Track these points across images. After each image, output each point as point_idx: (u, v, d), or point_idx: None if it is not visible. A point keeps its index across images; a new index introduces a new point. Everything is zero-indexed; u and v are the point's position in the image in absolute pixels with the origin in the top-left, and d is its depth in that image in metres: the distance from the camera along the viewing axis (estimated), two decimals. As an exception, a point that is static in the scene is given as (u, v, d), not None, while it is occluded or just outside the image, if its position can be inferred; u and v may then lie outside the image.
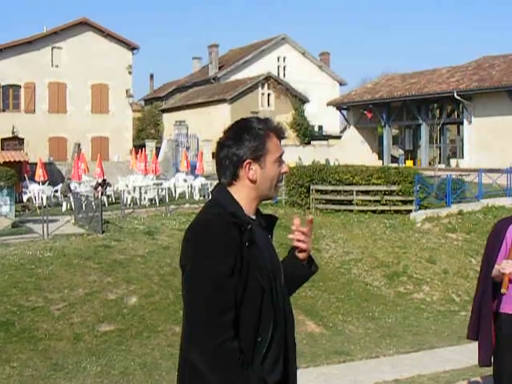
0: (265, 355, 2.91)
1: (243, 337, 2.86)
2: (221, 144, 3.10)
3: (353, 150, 45.01)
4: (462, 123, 42.03)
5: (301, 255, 3.24)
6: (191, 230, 2.95)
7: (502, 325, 5.93)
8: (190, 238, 2.94)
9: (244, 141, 3.02)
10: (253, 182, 3.03)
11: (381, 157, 46.89)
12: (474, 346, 14.16)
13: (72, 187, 28.34)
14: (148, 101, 68.22)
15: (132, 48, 49.14)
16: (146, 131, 59.48)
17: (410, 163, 42.64)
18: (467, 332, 6.34)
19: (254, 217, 3.08)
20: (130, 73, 48.83)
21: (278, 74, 56.35)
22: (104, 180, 29.32)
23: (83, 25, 47.27)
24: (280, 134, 3.15)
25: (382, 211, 24.89)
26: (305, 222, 3.23)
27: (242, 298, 2.86)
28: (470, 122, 40.10)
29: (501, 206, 25.82)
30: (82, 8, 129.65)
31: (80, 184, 29.58)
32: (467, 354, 13.07)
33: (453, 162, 42.68)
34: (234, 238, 2.85)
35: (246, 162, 3.02)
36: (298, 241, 3.19)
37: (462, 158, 41.64)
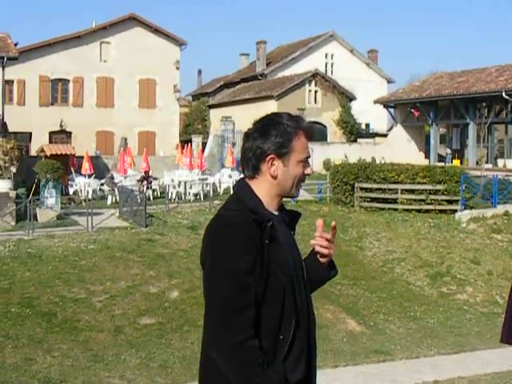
0: (287, 353, 2.87)
1: (264, 335, 2.83)
2: (247, 134, 3.06)
3: (399, 149, 44.62)
4: (510, 123, 41.41)
5: (322, 259, 3.16)
6: (210, 227, 2.92)
7: None
8: (209, 234, 2.90)
9: (270, 135, 2.97)
10: (274, 178, 2.97)
11: (427, 156, 46.43)
12: (516, 350, 13.98)
13: (117, 181, 28.58)
14: (195, 96, 68.40)
15: (180, 43, 49.30)
16: (192, 126, 59.64)
17: (457, 162, 42.14)
18: (501, 335, 6.18)
19: (276, 212, 3.01)
20: (177, 68, 49.02)
21: (326, 71, 56.07)
22: (147, 173, 29.48)
23: (131, 20, 47.59)
24: (309, 134, 3.09)
25: (427, 210, 24.70)
26: (329, 228, 3.14)
27: (263, 296, 2.81)
28: (518, 122, 39.51)
29: (548, 207, 25.44)
30: (131, 3, 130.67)
31: (126, 178, 29.79)
32: (509, 357, 12.92)
33: (500, 162, 42.08)
34: (254, 234, 2.80)
35: (269, 157, 2.96)
36: (321, 247, 3.10)
37: (510, 158, 41.05)
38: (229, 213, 2.90)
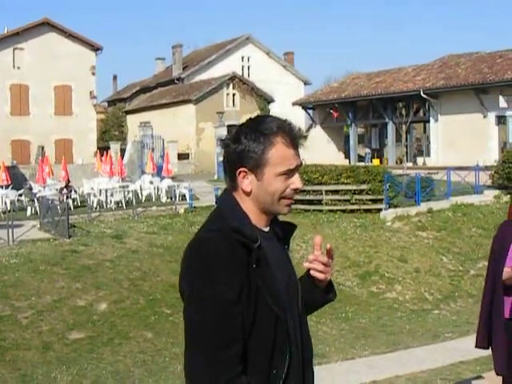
0: None
1: (255, 370, 2.47)
2: (222, 141, 2.65)
3: (319, 150, 44.88)
4: (428, 121, 42.20)
5: (318, 282, 2.79)
6: (190, 250, 2.53)
7: None
8: (188, 259, 2.52)
9: (241, 144, 2.54)
10: (247, 193, 2.57)
11: (347, 156, 46.94)
12: (449, 345, 14.12)
13: (36, 191, 27.86)
14: (111, 102, 67.61)
15: (95, 49, 48.63)
16: (109, 133, 58.93)
17: (376, 162, 42.69)
18: (476, 340, 6.09)
19: (266, 229, 2.64)
20: (93, 74, 48.33)
21: (243, 73, 56.13)
22: (68, 182, 28.88)
23: (45, 25, 46.64)
24: (292, 142, 2.58)
25: (352, 210, 24.80)
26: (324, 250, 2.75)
27: (252, 328, 2.46)
28: (436, 121, 40.24)
29: (469, 203, 25.96)
30: (44, 8, 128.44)
31: (44, 188, 29.08)
32: (443, 353, 13.02)
33: (419, 160, 42.83)
34: (239, 258, 2.43)
35: (239, 170, 2.55)
36: (316, 271, 2.72)
37: (429, 156, 41.79)
38: (209, 234, 2.51)
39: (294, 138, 2.59)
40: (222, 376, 2.38)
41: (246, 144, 2.53)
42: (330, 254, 2.74)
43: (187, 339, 2.48)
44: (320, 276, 2.73)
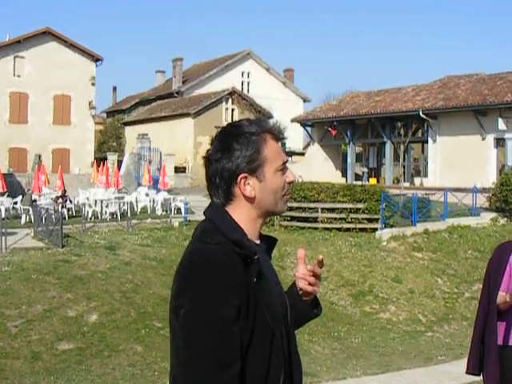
0: None
1: None
2: (207, 158, 2.54)
3: (316, 167, 44.93)
4: (426, 142, 42.18)
5: (305, 297, 2.68)
6: (187, 264, 2.41)
7: (510, 358, 5.58)
8: (185, 273, 2.39)
9: (234, 151, 2.47)
10: (251, 199, 2.50)
11: (344, 174, 46.88)
12: (442, 368, 14.00)
13: (34, 198, 27.81)
14: (110, 113, 67.64)
15: (96, 59, 48.72)
16: (107, 144, 58.92)
17: (373, 181, 42.63)
18: (467, 366, 5.96)
19: (258, 241, 2.55)
20: (93, 84, 48.38)
21: (242, 89, 56.24)
22: (64, 191, 28.79)
23: (46, 34, 46.76)
24: (279, 135, 2.58)
25: (348, 229, 24.73)
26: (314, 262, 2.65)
27: (249, 345, 2.35)
28: (434, 141, 40.22)
29: (466, 225, 25.90)
30: (46, 17, 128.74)
31: (40, 196, 29.00)
32: (435, 376, 12.93)
33: (417, 180, 42.80)
34: (239, 272, 2.34)
35: (240, 177, 2.47)
36: (307, 283, 2.62)
37: (426, 176, 41.75)
38: (207, 247, 2.39)
39: (279, 131, 2.59)
40: None
41: (241, 149, 2.48)
42: (321, 264, 2.62)
43: (183, 359, 2.34)
44: (310, 289, 2.63)
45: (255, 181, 2.49)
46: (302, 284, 2.63)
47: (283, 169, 2.55)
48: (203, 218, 2.55)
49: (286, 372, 2.47)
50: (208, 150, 2.56)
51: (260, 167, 2.49)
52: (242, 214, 2.50)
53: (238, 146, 2.47)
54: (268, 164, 2.50)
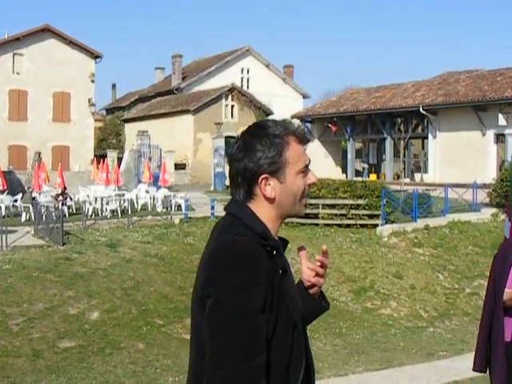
0: None
1: (274, 379, 2.39)
2: (231, 157, 2.60)
3: (316, 164, 44.36)
4: (426, 138, 42.21)
5: (312, 290, 2.72)
6: (214, 254, 2.46)
7: None
8: (212, 263, 2.44)
9: (257, 152, 2.51)
10: (272, 199, 2.54)
11: (344, 170, 46.88)
12: (444, 364, 13.98)
13: (35, 195, 27.80)
14: (110, 110, 67.55)
15: (95, 56, 48.64)
16: (107, 141, 58.87)
17: (373, 177, 42.64)
18: (473, 363, 5.92)
19: (276, 238, 2.58)
20: (92, 81, 48.34)
21: (242, 85, 56.12)
22: (64, 189, 28.75)
23: (45, 31, 46.68)
24: (303, 138, 2.63)
25: (348, 225, 24.73)
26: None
27: (272, 335, 2.39)
28: (434, 137, 40.23)
29: (467, 221, 25.89)
30: (45, 14, 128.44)
31: (40, 194, 28.97)
32: (437, 371, 12.90)
33: (417, 176, 42.81)
34: (265, 264, 2.39)
35: (261, 178, 2.52)
36: (314, 274, 2.67)
37: (426, 172, 41.76)
38: (237, 238, 2.44)
39: (303, 134, 2.64)
40: None
41: (264, 150, 2.53)
42: (326, 255, 2.70)
43: (212, 349, 2.36)
44: (314, 280, 2.68)
45: (276, 182, 2.54)
46: (306, 276, 2.68)
47: (305, 171, 2.60)
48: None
49: (308, 358, 2.55)
50: (231, 149, 2.62)
51: (281, 169, 2.54)
52: (264, 212, 2.56)
53: (260, 147, 2.53)
54: (289, 166, 2.55)
